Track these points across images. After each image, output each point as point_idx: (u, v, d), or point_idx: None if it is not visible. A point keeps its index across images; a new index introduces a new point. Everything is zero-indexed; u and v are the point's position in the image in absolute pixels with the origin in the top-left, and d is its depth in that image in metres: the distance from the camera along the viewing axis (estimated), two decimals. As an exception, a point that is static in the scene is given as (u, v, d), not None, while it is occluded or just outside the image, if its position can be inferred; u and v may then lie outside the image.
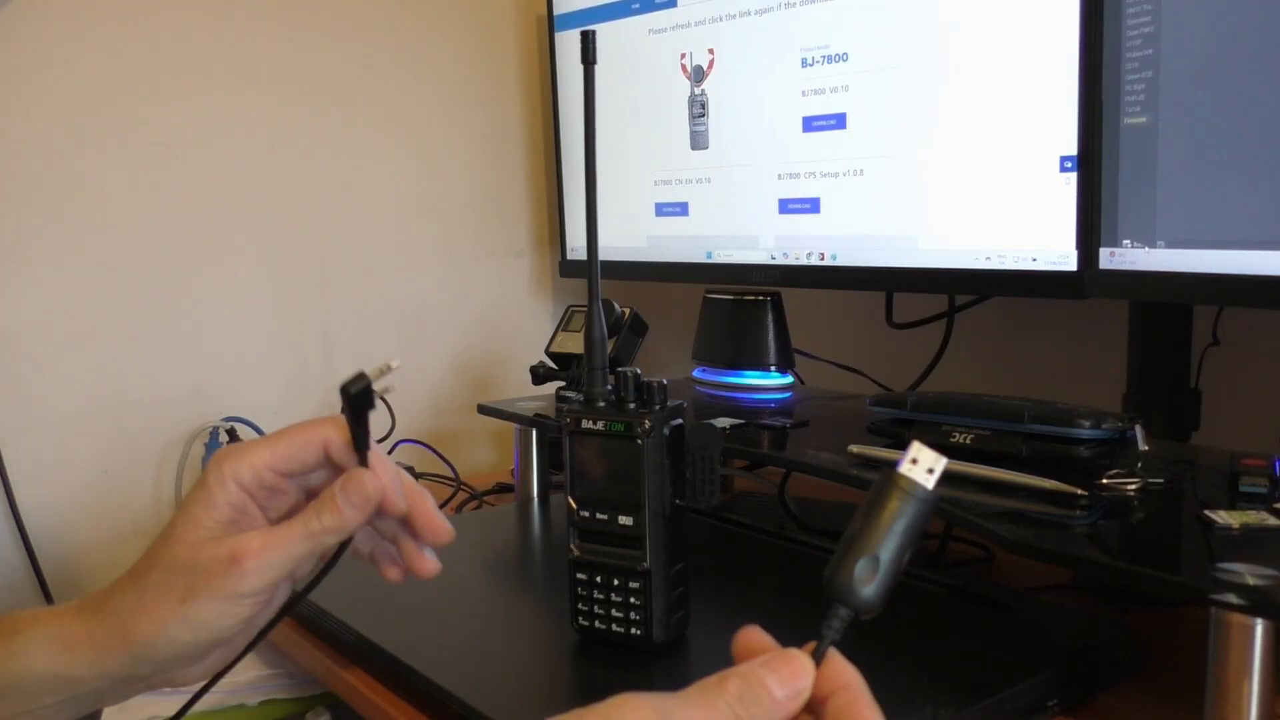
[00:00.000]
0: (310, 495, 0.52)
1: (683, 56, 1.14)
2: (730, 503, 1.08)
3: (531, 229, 1.46)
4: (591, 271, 0.67)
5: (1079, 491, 0.67)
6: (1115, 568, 0.59)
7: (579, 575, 0.67)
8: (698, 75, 1.12)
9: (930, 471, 0.42)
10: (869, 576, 0.42)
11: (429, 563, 0.55)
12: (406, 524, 0.54)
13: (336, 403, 1.37)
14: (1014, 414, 0.76)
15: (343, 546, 0.52)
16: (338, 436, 0.51)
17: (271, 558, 0.49)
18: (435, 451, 1.26)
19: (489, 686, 0.64)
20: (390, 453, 1.23)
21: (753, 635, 0.44)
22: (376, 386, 0.49)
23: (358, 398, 0.49)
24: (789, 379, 1.09)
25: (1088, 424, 0.73)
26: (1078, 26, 0.81)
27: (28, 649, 0.49)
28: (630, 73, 1.20)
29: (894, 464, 0.42)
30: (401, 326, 1.34)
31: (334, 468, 0.52)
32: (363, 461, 0.51)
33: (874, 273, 0.99)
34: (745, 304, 1.09)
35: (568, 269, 1.35)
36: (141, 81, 1.15)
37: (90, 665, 0.49)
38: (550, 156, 1.38)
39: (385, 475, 0.51)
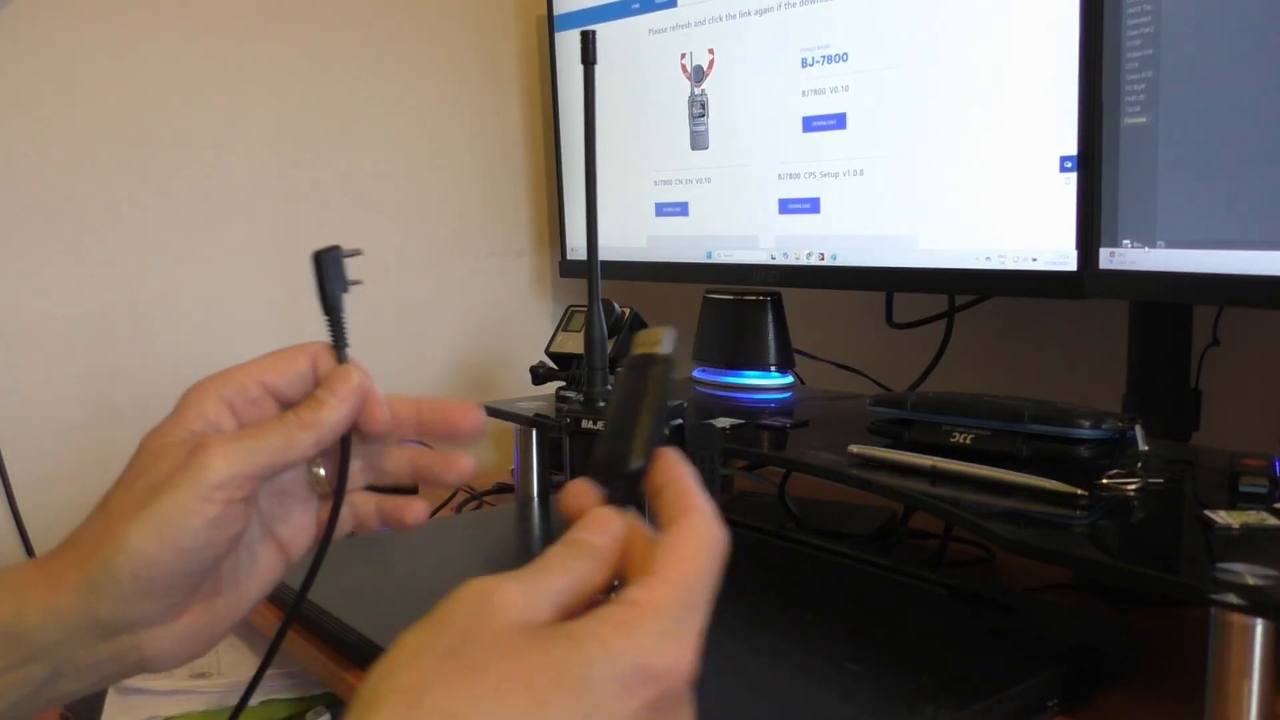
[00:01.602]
0: None
1: (683, 56, 1.14)
2: (730, 503, 1.08)
3: (531, 229, 1.46)
4: (591, 271, 0.67)
5: (1079, 491, 0.67)
6: (1115, 568, 0.59)
7: (579, 575, 0.67)
8: (698, 75, 1.12)
9: (657, 342, 0.43)
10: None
11: (462, 460, 0.49)
12: (426, 430, 0.49)
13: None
14: (1014, 414, 0.76)
15: (339, 490, 0.47)
16: (327, 355, 0.47)
17: (238, 446, 0.43)
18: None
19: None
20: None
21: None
22: (349, 276, 0.46)
23: (324, 257, 0.46)
24: (789, 379, 1.09)
25: (1088, 424, 0.73)
26: (1078, 26, 0.81)
27: None
28: (630, 73, 1.20)
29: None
30: (401, 326, 1.34)
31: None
32: (341, 360, 0.47)
33: (874, 273, 0.99)
34: (745, 304, 1.09)
35: (568, 269, 1.35)
36: (141, 82, 1.15)
37: (44, 609, 0.42)
38: (550, 156, 1.38)
39: (368, 376, 0.46)
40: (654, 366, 0.42)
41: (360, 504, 0.51)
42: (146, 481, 0.43)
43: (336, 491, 0.48)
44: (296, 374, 0.47)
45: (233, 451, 0.43)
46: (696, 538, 0.38)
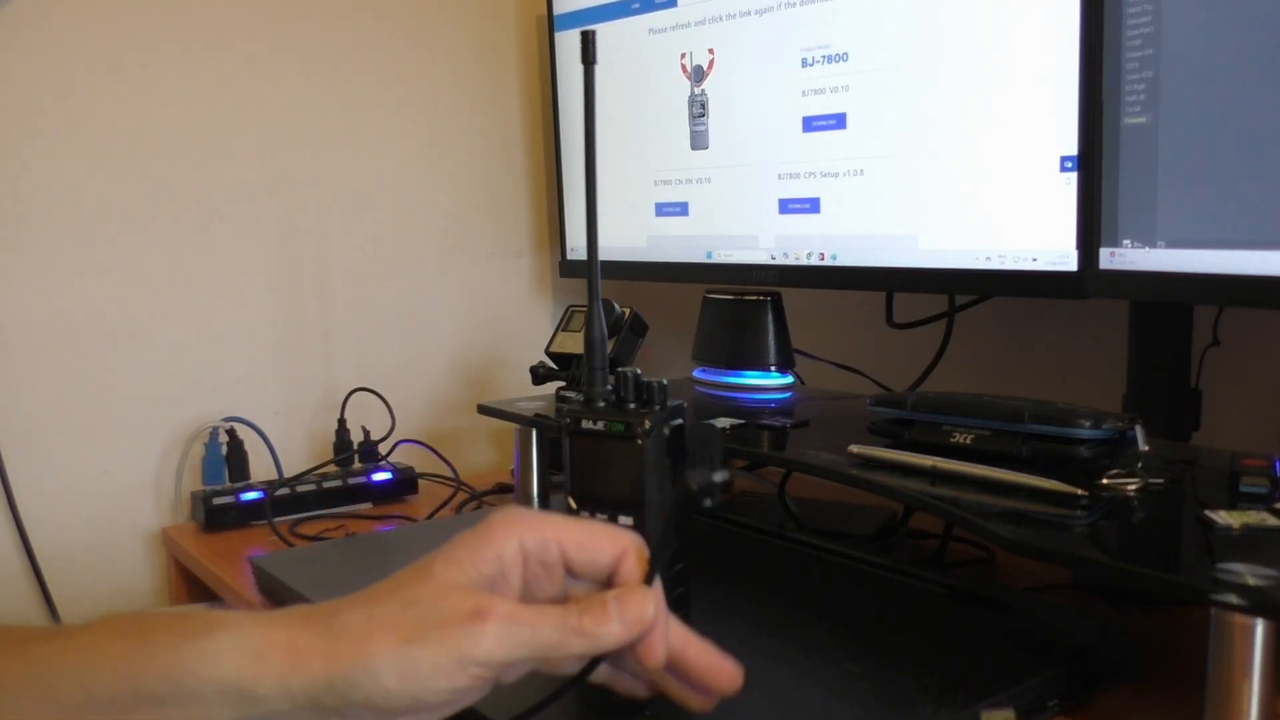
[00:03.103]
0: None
1: (683, 56, 1.14)
2: (730, 503, 1.08)
3: (531, 229, 1.46)
4: (591, 271, 0.67)
5: (1079, 491, 0.67)
6: (1115, 568, 0.59)
7: (579, 575, 0.67)
8: (698, 75, 1.12)
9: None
10: None
11: (698, 702, 0.49)
12: (681, 667, 0.49)
13: (335, 402, 1.37)
14: (1014, 414, 0.76)
15: (586, 670, 0.47)
16: (635, 555, 0.47)
17: (515, 630, 0.43)
18: (435, 452, 1.26)
19: (489, 686, 0.64)
20: (390, 453, 1.23)
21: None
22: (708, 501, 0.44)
23: (698, 495, 0.44)
24: (789, 379, 1.09)
25: (1088, 424, 0.73)
26: (1078, 26, 0.81)
27: (216, 652, 0.43)
28: (630, 73, 1.19)
29: None
30: (401, 326, 1.35)
31: (609, 585, 0.47)
32: (649, 579, 0.46)
33: (874, 273, 0.99)
34: (745, 304, 1.09)
35: (568, 269, 1.35)
36: (142, 83, 1.15)
37: (277, 680, 0.43)
38: (550, 156, 1.38)
39: (663, 613, 0.46)
40: None
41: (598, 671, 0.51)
42: (421, 613, 0.43)
43: (582, 673, 0.48)
44: (598, 564, 0.47)
45: (506, 637, 0.43)
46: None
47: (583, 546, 0.47)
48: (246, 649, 0.43)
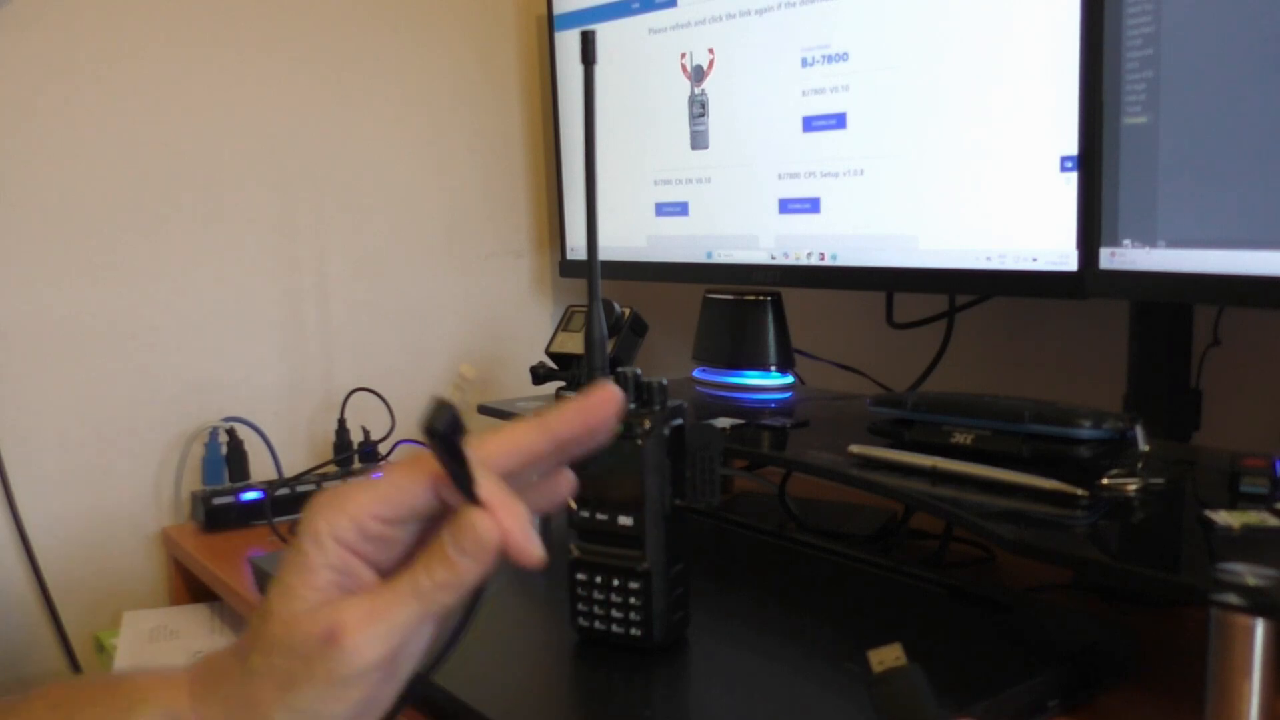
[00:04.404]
0: (426, 540, 0.44)
1: (683, 56, 1.14)
2: (730, 503, 1.08)
3: (531, 229, 1.46)
4: (591, 271, 0.67)
5: (1079, 492, 0.67)
6: (1115, 568, 0.59)
7: (579, 575, 0.67)
8: (698, 75, 1.12)
9: (897, 658, 0.50)
10: None
11: (564, 481, 0.47)
12: (573, 449, 0.45)
13: (336, 401, 1.37)
14: (1014, 414, 0.76)
15: (472, 606, 0.44)
16: (446, 480, 0.43)
17: (375, 630, 0.41)
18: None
19: (488, 687, 0.64)
20: (390, 453, 1.23)
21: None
22: (457, 402, 0.40)
23: (445, 434, 0.41)
24: (789, 379, 1.09)
25: (1088, 424, 0.73)
26: (1078, 26, 0.81)
27: None
28: (630, 73, 1.19)
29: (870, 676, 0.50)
30: (401, 326, 1.34)
31: (450, 508, 0.43)
32: (471, 498, 0.42)
33: (874, 273, 0.99)
34: (745, 304, 1.09)
35: (568, 269, 1.35)
36: (141, 83, 1.15)
37: None
38: (550, 156, 1.38)
39: (505, 513, 0.42)
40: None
41: None
42: (285, 660, 0.41)
43: (468, 610, 0.44)
44: (419, 506, 0.43)
45: (370, 641, 0.41)
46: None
47: (392, 502, 0.43)
48: None
